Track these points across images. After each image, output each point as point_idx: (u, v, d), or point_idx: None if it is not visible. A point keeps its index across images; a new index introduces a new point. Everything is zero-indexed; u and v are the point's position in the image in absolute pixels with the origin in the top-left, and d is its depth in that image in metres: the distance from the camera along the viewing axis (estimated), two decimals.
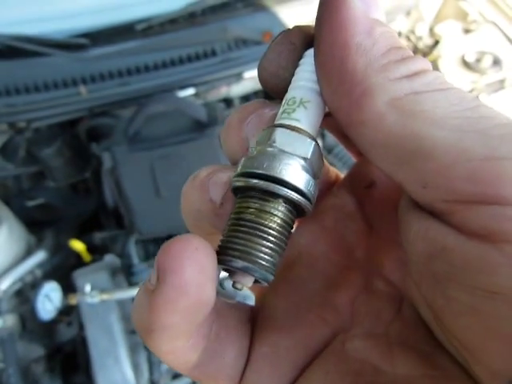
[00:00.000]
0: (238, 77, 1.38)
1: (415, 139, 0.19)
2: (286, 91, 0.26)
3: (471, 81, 1.52)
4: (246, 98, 1.53)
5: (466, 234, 0.18)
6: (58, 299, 1.18)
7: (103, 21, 1.32)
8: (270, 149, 0.23)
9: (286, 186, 0.23)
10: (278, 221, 0.23)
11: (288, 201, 0.23)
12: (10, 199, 1.39)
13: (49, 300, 1.16)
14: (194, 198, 0.26)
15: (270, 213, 0.23)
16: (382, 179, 0.29)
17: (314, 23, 0.24)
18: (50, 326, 1.23)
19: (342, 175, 0.33)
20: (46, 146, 1.30)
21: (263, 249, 0.23)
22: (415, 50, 1.68)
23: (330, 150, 1.46)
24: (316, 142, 0.24)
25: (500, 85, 1.53)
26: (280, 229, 0.23)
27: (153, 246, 1.33)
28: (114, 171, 1.24)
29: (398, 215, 0.24)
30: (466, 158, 0.18)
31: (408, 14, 1.70)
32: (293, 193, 0.23)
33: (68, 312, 1.23)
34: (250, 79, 1.41)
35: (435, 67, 1.54)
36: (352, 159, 0.34)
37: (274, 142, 0.23)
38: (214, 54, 1.35)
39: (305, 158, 0.23)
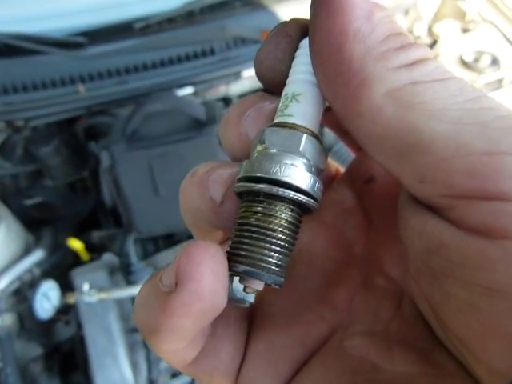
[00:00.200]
0: (237, 76, 1.38)
1: (413, 132, 0.19)
2: (282, 85, 0.25)
3: (469, 80, 1.52)
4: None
5: (464, 230, 0.18)
6: (56, 298, 1.17)
7: (101, 19, 1.31)
8: (263, 150, 0.23)
9: (286, 187, 0.22)
10: (284, 223, 0.23)
11: (291, 201, 0.23)
12: (8, 198, 1.38)
13: (47, 299, 1.16)
14: (193, 196, 0.26)
15: (275, 216, 0.23)
16: (381, 174, 0.29)
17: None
18: (48, 325, 1.22)
19: (342, 170, 0.33)
20: (44, 144, 1.29)
21: (272, 253, 0.23)
22: None
23: (328, 149, 1.46)
24: (311, 133, 0.24)
25: (498, 84, 1.54)
26: (286, 231, 0.23)
27: (151, 244, 1.33)
28: (112, 170, 1.24)
29: (397, 210, 0.23)
30: (466, 152, 0.18)
31: (406, 13, 1.70)
32: (292, 193, 0.23)
33: (66, 311, 1.23)
34: (249, 78, 1.41)
35: None
36: (351, 157, 0.34)
37: (264, 142, 0.23)
38: (212, 52, 1.35)
39: (300, 153, 0.23)
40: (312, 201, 0.23)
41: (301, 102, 0.24)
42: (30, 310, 1.14)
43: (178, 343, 0.22)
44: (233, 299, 0.23)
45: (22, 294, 1.21)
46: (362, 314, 0.26)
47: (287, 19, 0.26)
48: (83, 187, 1.51)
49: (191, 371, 0.25)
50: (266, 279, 0.23)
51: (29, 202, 1.41)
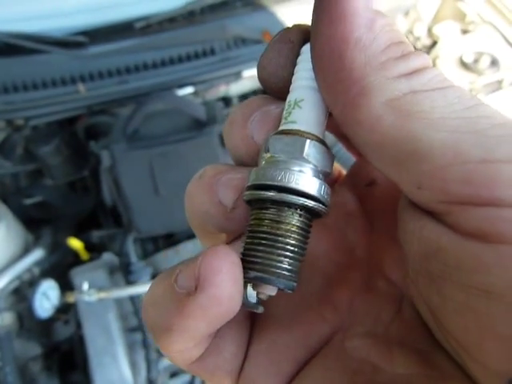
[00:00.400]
0: (237, 76, 1.38)
1: (412, 141, 0.19)
2: (286, 90, 0.25)
3: (469, 81, 1.52)
4: (244, 97, 1.52)
5: (461, 234, 0.19)
6: (55, 297, 1.17)
7: (102, 19, 1.31)
8: (270, 158, 0.24)
9: (294, 193, 0.23)
10: (294, 229, 0.24)
11: (300, 207, 0.24)
12: (8, 197, 1.38)
13: (46, 298, 1.16)
14: (202, 199, 0.26)
15: (284, 222, 0.23)
16: (382, 178, 0.29)
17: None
18: (47, 324, 1.22)
19: (344, 173, 0.33)
20: (44, 143, 1.29)
21: (283, 259, 0.23)
22: None
23: None
24: (315, 138, 0.24)
25: (497, 85, 1.54)
26: (297, 236, 0.24)
27: (151, 244, 1.33)
28: (112, 169, 1.24)
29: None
30: (462, 160, 0.18)
31: (406, 14, 1.71)
32: (301, 199, 0.23)
33: (65, 310, 1.23)
34: (249, 78, 1.41)
35: None
36: (350, 158, 0.34)
37: (269, 150, 0.24)
38: (212, 52, 1.35)
39: (304, 159, 0.23)
40: (320, 205, 0.24)
41: (303, 108, 0.24)
42: (30, 309, 1.14)
43: (188, 343, 0.22)
44: (247, 305, 0.24)
45: (22, 293, 1.21)
46: (362, 315, 0.26)
47: (289, 25, 0.26)
48: (83, 187, 1.51)
49: (194, 369, 0.25)
50: (278, 284, 0.23)
51: (29, 201, 1.41)
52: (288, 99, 0.25)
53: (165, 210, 1.23)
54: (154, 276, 1.22)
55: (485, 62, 1.53)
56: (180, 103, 1.29)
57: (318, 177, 0.24)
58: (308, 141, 0.23)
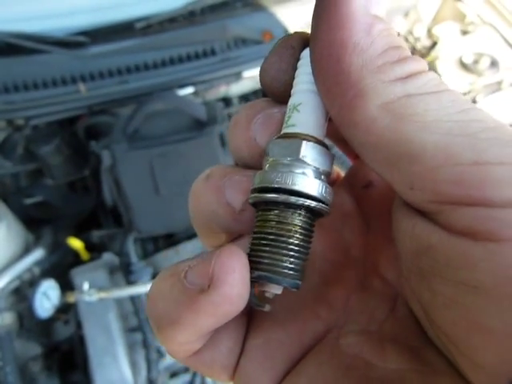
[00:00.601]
0: (237, 76, 1.38)
1: (405, 143, 0.20)
2: (287, 94, 0.26)
3: (469, 82, 1.53)
4: (244, 98, 1.53)
5: (451, 233, 0.19)
6: (55, 297, 1.17)
7: (102, 19, 1.31)
8: (273, 162, 0.25)
9: (296, 195, 0.24)
10: (298, 229, 0.24)
11: (302, 208, 0.24)
12: (8, 197, 1.38)
13: (47, 298, 1.16)
14: (209, 199, 0.27)
15: (288, 223, 0.24)
16: (379, 180, 0.30)
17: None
18: (47, 324, 1.23)
19: (343, 174, 0.34)
20: (45, 143, 1.29)
21: (288, 259, 0.24)
22: (413, 51, 1.69)
23: None
24: (313, 139, 0.25)
25: (497, 86, 1.55)
26: (300, 236, 0.25)
27: (151, 244, 1.33)
28: (112, 169, 1.24)
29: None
30: (454, 162, 0.19)
31: (406, 15, 1.71)
32: (301, 200, 0.24)
33: (66, 310, 1.23)
34: (249, 78, 1.41)
35: (433, 68, 1.55)
36: (347, 160, 0.35)
37: (268, 154, 0.25)
38: (213, 53, 1.35)
39: (301, 160, 0.24)
40: (322, 205, 0.24)
41: (301, 111, 0.25)
42: (30, 309, 1.14)
43: (192, 337, 0.23)
44: (254, 303, 0.25)
45: (22, 292, 1.21)
46: (357, 314, 0.27)
47: (291, 31, 0.26)
48: (83, 186, 1.51)
49: (191, 363, 0.26)
50: (283, 284, 0.24)
51: (29, 201, 1.41)
52: (289, 103, 0.26)
53: (165, 209, 1.23)
54: (154, 276, 1.22)
55: (484, 63, 1.53)
56: (180, 103, 1.29)
57: (317, 177, 0.24)
58: (304, 142, 0.24)
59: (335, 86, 0.22)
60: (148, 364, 1.16)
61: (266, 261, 0.24)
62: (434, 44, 1.68)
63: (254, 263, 0.24)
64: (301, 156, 0.24)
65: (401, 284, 0.26)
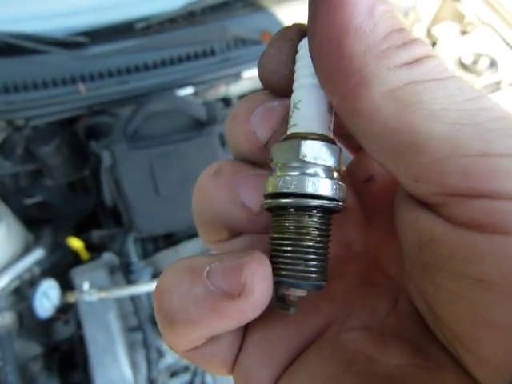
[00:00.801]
0: (237, 76, 1.39)
1: (411, 132, 0.19)
2: (287, 88, 0.25)
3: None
4: None
5: (455, 225, 0.19)
6: (55, 297, 1.17)
7: (102, 19, 1.31)
8: (282, 166, 0.24)
9: (309, 197, 0.23)
10: (314, 231, 0.24)
11: (317, 208, 0.24)
12: (8, 197, 1.38)
13: (47, 298, 1.16)
14: (220, 198, 0.26)
15: (304, 226, 0.24)
16: (380, 174, 0.29)
17: None
18: (47, 324, 1.23)
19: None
20: (45, 143, 1.29)
21: (309, 262, 0.24)
22: None
23: None
24: (314, 136, 0.24)
25: (496, 86, 1.55)
26: (318, 238, 0.24)
27: (151, 244, 1.33)
28: (112, 169, 1.24)
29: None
30: (461, 153, 0.18)
31: (406, 15, 1.71)
32: (314, 201, 0.23)
33: (66, 310, 1.23)
34: (249, 79, 1.41)
35: None
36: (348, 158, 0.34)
37: (272, 159, 0.25)
38: (212, 53, 1.35)
39: (301, 161, 0.23)
40: (335, 203, 0.24)
41: (301, 108, 0.24)
42: (30, 309, 1.14)
43: (206, 336, 0.23)
44: (280, 307, 0.25)
45: (22, 292, 1.21)
46: (359, 308, 0.26)
47: (289, 24, 0.26)
48: (83, 187, 1.51)
49: (191, 356, 0.26)
50: (307, 287, 0.24)
51: (29, 201, 1.41)
52: (291, 101, 0.25)
53: (165, 209, 1.23)
54: (154, 276, 1.23)
55: (483, 63, 1.53)
56: (180, 103, 1.29)
57: (326, 175, 0.24)
58: (302, 142, 0.23)
59: (336, 72, 0.21)
60: (148, 364, 1.17)
61: (288, 267, 0.24)
62: (434, 44, 1.68)
63: (276, 269, 0.24)
64: (301, 156, 0.23)
65: (403, 279, 0.25)
